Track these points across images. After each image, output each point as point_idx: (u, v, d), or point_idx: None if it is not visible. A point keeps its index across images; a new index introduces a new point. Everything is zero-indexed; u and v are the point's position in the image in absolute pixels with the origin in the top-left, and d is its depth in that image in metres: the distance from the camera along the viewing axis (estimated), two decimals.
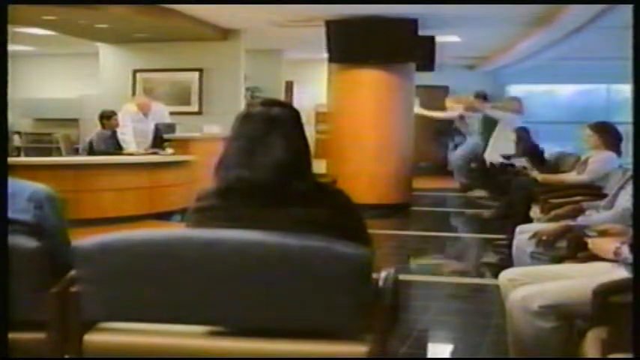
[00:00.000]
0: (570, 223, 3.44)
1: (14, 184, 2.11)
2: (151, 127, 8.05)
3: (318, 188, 1.92)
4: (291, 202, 1.83)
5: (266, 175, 1.82)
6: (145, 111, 8.24)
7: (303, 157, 1.91)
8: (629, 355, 1.77)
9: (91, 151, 7.73)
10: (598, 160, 5.30)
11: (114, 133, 7.82)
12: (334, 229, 1.81)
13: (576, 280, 2.49)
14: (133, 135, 7.92)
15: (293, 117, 1.94)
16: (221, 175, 1.89)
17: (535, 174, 6.25)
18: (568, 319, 2.38)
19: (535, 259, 3.44)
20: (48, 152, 10.82)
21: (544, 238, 3.35)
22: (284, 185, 1.83)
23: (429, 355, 3.64)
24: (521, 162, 7.69)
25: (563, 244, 3.29)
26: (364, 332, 1.76)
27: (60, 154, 8.92)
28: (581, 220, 3.49)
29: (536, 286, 2.52)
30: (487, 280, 4.98)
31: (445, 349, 3.78)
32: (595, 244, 2.71)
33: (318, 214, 1.84)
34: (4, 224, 1.96)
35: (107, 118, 7.86)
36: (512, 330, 2.52)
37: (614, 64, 7.89)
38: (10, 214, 2.02)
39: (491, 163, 8.97)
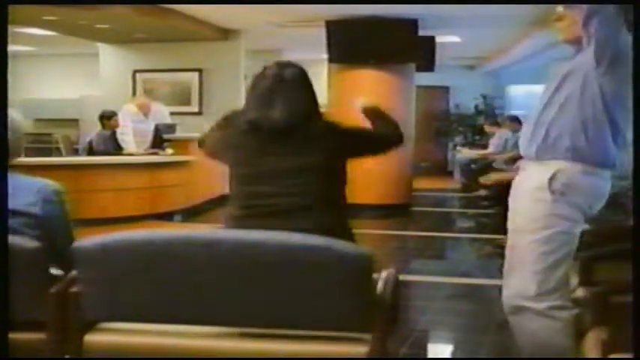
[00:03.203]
0: None
1: (22, 178, 2.17)
2: (151, 127, 8.05)
3: (327, 125, 2.36)
4: (305, 138, 2.25)
5: (281, 117, 2.23)
6: (145, 111, 8.24)
7: (312, 104, 2.36)
8: (629, 355, 1.77)
9: (91, 151, 7.73)
10: None
11: (114, 133, 7.82)
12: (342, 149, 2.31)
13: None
14: (133, 135, 7.92)
15: (302, 75, 2.37)
16: (246, 120, 2.29)
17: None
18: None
19: None
20: (48, 152, 10.82)
21: None
22: (297, 127, 2.25)
23: (429, 355, 3.64)
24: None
25: None
26: (364, 332, 1.76)
27: (60, 154, 8.92)
28: None
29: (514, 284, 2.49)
30: (487, 280, 4.98)
31: (445, 349, 3.79)
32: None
33: (329, 142, 2.28)
34: (4, 224, 1.96)
35: (107, 118, 7.86)
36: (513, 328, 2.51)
37: None
38: (19, 207, 2.07)
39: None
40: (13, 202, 2.06)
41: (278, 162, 2.24)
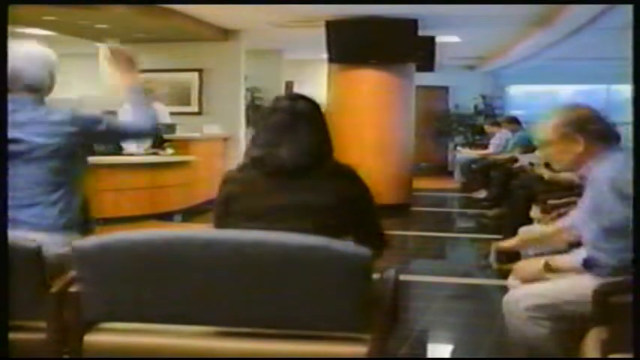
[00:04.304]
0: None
1: None
2: None
3: (337, 167, 2.24)
4: (314, 179, 2.12)
5: (288, 158, 2.09)
6: None
7: (324, 143, 2.22)
8: (629, 355, 1.77)
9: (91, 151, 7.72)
10: None
11: None
12: (348, 199, 2.15)
13: (562, 280, 2.46)
14: None
15: (315, 109, 2.24)
16: (250, 157, 2.15)
17: (543, 171, 6.13)
18: (555, 320, 2.36)
19: None
20: None
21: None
22: (308, 166, 2.11)
23: (429, 355, 3.64)
24: (528, 158, 7.65)
25: None
26: (364, 332, 1.76)
27: None
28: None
29: (525, 288, 2.51)
30: (487, 281, 4.98)
31: (445, 349, 3.78)
32: (518, 268, 2.65)
33: (336, 188, 2.15)
34: (4, 224, 1.96)
35: None
36: (508, 331, 2.52)
37: (614, 64, 7.89)
38: None
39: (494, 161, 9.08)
40: None
41: (280, 199, 2.08)
